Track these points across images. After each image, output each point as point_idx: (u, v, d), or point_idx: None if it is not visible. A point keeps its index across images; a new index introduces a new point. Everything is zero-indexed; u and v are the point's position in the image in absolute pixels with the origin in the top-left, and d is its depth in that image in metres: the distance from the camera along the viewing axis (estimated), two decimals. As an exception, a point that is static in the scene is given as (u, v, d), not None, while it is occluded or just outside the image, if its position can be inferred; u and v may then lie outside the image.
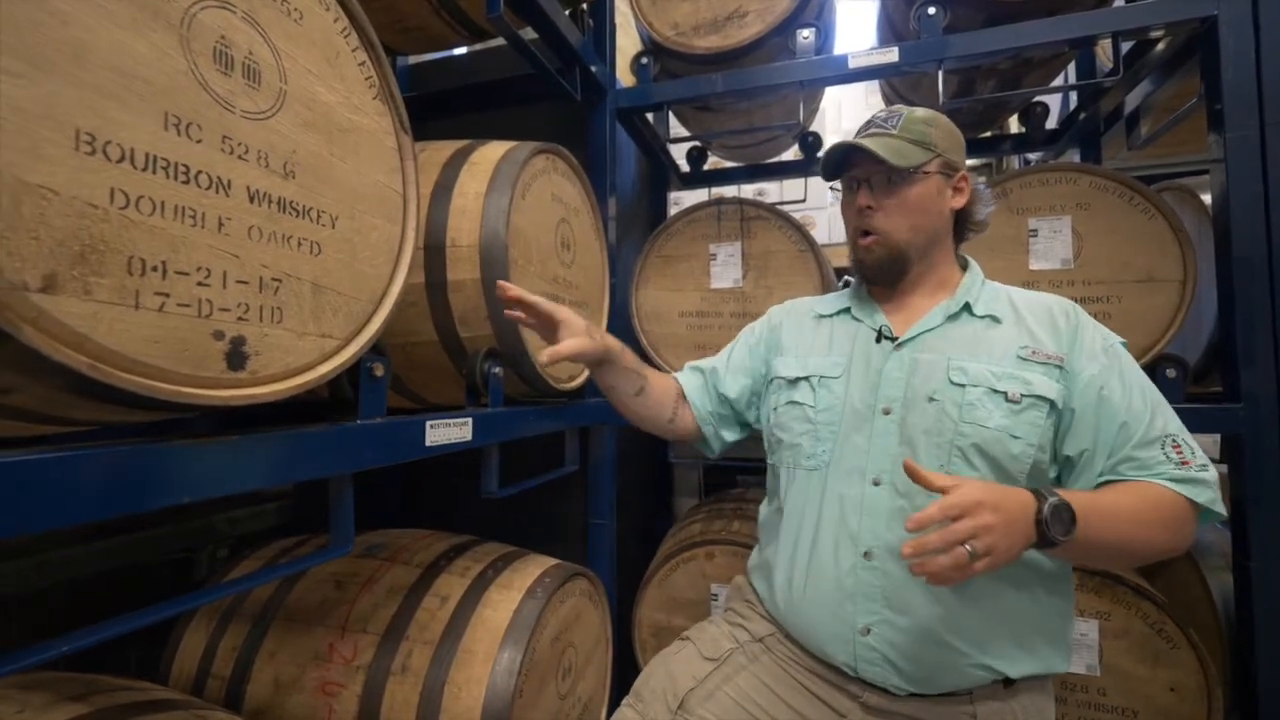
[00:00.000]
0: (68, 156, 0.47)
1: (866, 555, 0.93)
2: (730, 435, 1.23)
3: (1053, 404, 0.90)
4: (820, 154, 1.11)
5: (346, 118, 0.76)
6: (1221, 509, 0.86)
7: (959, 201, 1.03)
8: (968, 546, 0.70)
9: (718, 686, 1.01)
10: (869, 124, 1.04)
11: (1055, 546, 0.76)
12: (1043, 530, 0.75)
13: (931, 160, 0.98)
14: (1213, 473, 0.87)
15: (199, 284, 0.57)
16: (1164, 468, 0.86)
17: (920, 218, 1.00)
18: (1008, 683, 0.90)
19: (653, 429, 1.21)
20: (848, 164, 1.04)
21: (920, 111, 1.02)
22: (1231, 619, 1.39)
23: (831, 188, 1.12)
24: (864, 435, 0.98)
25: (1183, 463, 0.86)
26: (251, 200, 0.62)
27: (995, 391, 0.91)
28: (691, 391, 1.22)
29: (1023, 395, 0.90)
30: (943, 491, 0.75)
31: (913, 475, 0.78)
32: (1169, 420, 0.90)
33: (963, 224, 1.07)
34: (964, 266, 1.08)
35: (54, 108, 0.46)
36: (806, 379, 1.07)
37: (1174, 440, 0.88)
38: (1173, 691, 1.26)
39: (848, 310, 1.12)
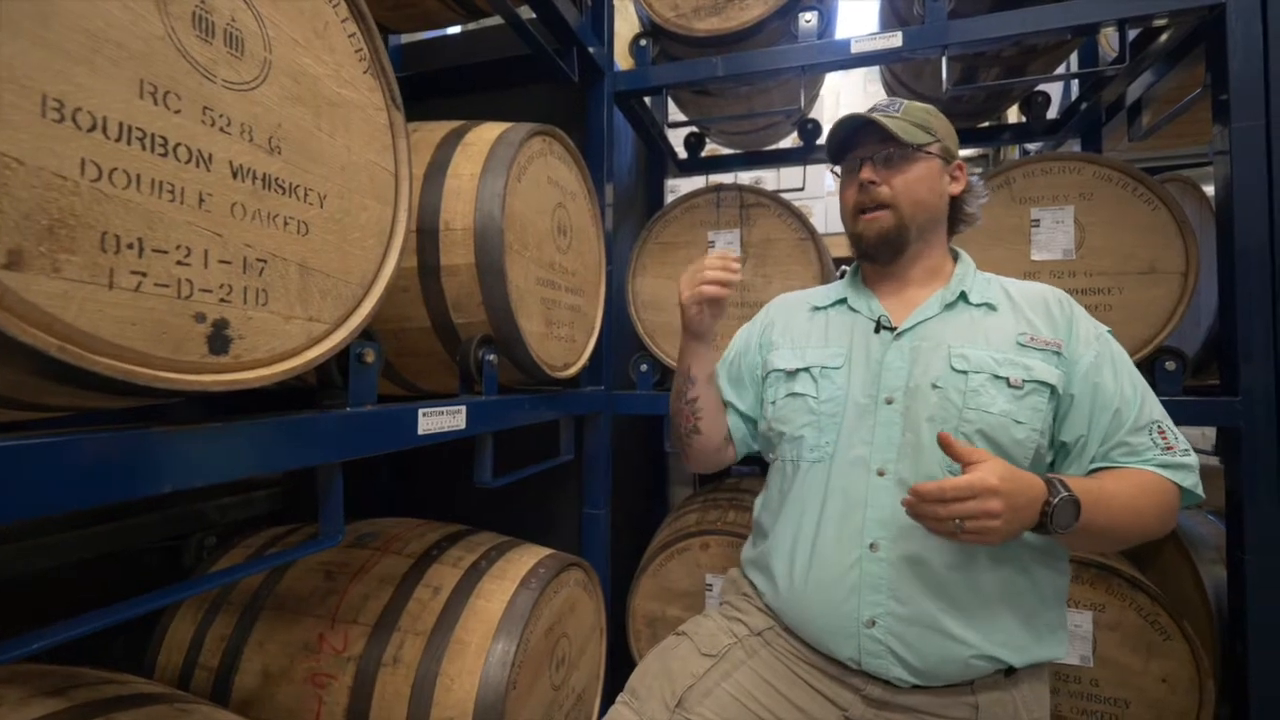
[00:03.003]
0: (33, 123, 0.43)
1: (872, 547, 0.92)
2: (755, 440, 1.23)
3: (1053, 389, 0.92)
4: (824, 134, 1.11)
5: (335, 91, 0.72)
6: (1201, 491, 0.91)
7: (956, 188, 1.05)
8: (957, 522, 0.76)
9: (716, 683, 0.99)
10: (871, 109, 1.04)
11: (1051, 535, 0.81)
12: (1045, 521, 0.79)
13: (933, 143, 1.00)
14: (1194, 457, 0.91)
15: (178, 263, 0.54)
16: (1152, 453, 0.90)
17: (923, 194, 1.01)
18: (1009, 672, 0.91)
19: (704, 453, 1.19)
20: (851, 145, 1.05)
21: (918, 103, 1.04)
22: (1223, 612, 1.40)
23: (833, 171, 1.11)
24: (867, 426, 0.98)
25: (1167, 448, 0.90)
26: (234, 176, 0.59)
27: (997, 377, 0.92)
28: (732, 426, 1.21)
29: (1024, 381, 0.92)
30: (966, 465, 0.78)
31: (946, 447, 0.81)
32: (1154, 407, 0.94)
33: (956, 214, 1.08)
34: (955, 257, 1.10)
35: (17, 70, 0.43)
36: (806, 370, 1.06)
37: (1159, 426, 0.92)
38: (1165, 683, 1.26)
39: (843, 301, 1.12)
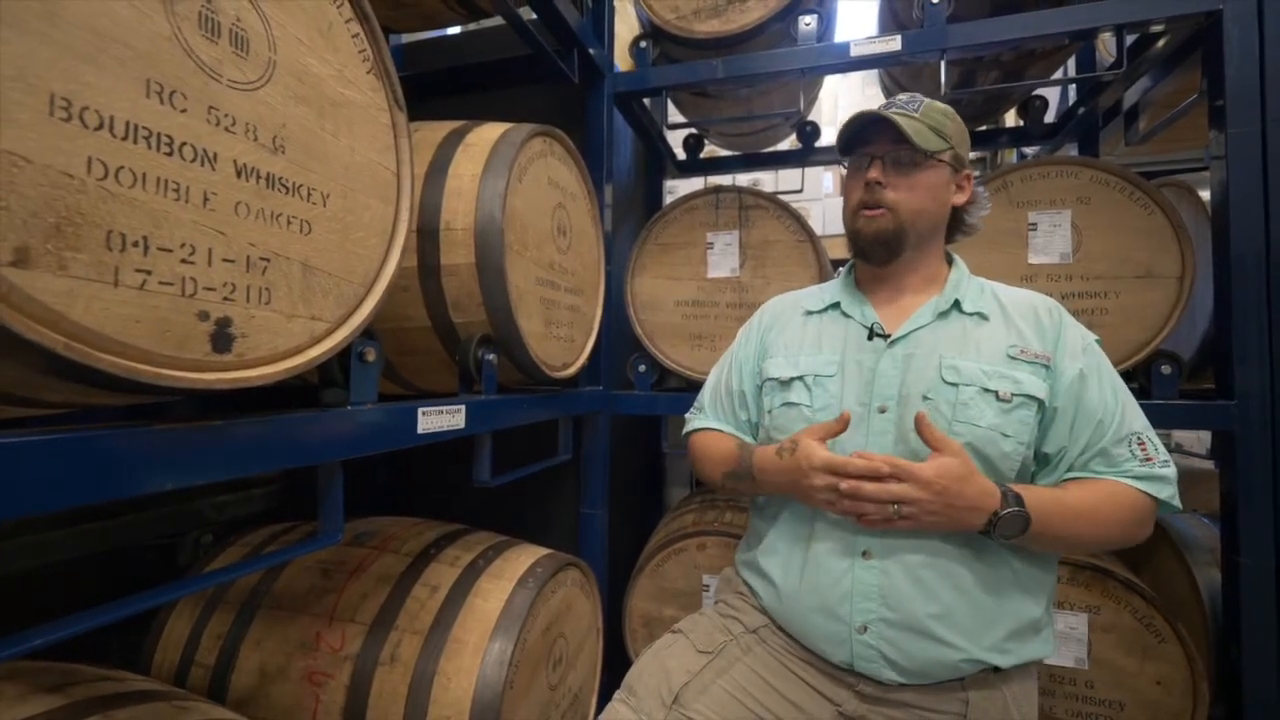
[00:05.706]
0: (41, 121, 0.44)
1: (864, 555, 0.93)
2: None
3: (1041, 403, 0.92)
4: (823, 137, 1.10)
5: (339, 91, 0.73)
6: (1178, 503, 0.91)
7: (960, 199, 1.05)
8: (893, 507, 0.84)
9: (712, 680, 1.00)
10: (888, 104, 1.02)
11: (996, 540, 0.87)
12: (989, 531, 0.86)
13: (946, 151, 0.99)
14: (1173, 469, 0.92)
15: (183, 261, 0.54)
16: (1129, 465, 0.91)
17: (928, 203, 1.00)
18: (998, 670, 0.91)
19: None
20: (863, 139, 1.03)
21: (939, 103, 1.03)
22: (1218, 615, 1.41)
23: (841, 164, 1.10)
24: (861, 435, 0.98)
25: (1146, 459, 0.91)
26: (239, 175, 0.59)
27: (987, 390, 0.92)
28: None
29: (1013, 394, 0.92)
30: (934, 448, 0.86)
31: (921, 428, 0.87)
32: (1136, 417, 0.94)
33: (955, 223, 1.07)
34: (949, 262, 1.09)
35: (25, 69, 0.43)
36: (800, 378, 1.06)
37: (1140, 438, 0.92)
38: (1159, 685, 1.27)
39: (836, 305, 1.11)
